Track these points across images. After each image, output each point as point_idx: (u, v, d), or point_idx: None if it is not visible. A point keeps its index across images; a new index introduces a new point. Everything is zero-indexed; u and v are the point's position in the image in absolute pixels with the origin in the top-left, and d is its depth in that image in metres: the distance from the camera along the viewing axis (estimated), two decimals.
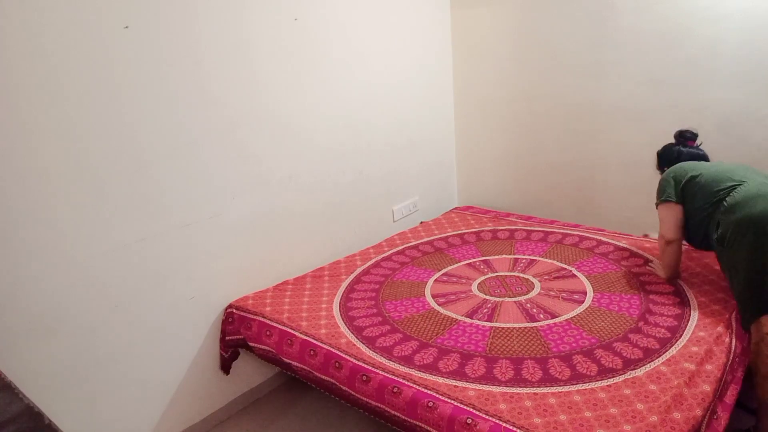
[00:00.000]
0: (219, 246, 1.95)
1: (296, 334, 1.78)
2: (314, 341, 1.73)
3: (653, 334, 1.62)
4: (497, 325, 1.75)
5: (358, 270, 2.27)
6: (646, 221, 2.50)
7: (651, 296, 1.83)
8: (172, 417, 1.91)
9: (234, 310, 1.99)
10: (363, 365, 1.58)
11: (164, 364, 1.86)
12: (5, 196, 1.43)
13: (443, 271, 2.20)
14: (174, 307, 1.85)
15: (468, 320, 1.79)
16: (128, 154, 1.66)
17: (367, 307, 1.94)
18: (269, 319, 1.88)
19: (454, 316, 1.83)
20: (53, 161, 1.50)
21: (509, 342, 1.65)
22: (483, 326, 1.75)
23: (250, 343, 1.91)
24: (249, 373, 2.16)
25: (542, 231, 2.50)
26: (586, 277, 2.00)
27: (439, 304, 1.92)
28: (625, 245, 2.24)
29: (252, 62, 1.96)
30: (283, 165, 2.14)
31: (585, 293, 1.89)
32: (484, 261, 2.26)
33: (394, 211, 2.74)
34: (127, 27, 1.59)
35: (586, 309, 1.79)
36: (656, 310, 1.75)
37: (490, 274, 2.13)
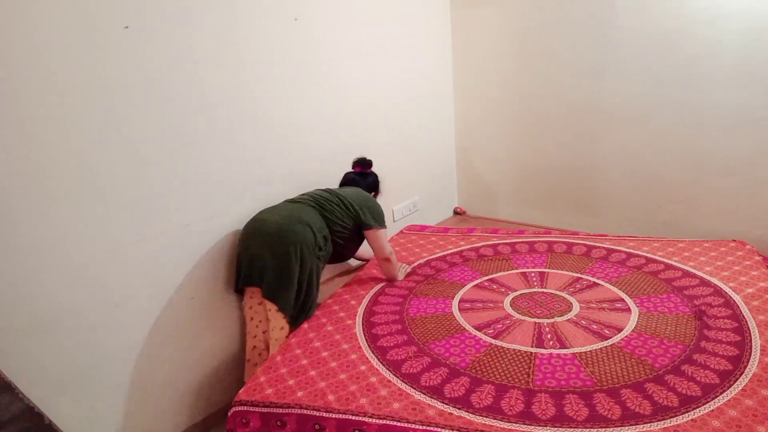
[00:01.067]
0: (219, 246, 1.95)
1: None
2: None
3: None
4: (499, 343, 1.61)
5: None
6: (646, 221, 2.50)
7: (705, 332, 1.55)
8: (172, 417, 1.90)
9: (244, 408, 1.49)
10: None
11: (164, 365, 1.85)
12: (5, 196, 1.42)
13: (489, 276, 2.08)
14: (174, 308, 1.85)
15: (474, 332, 1.69)
16: (128, 154, 1.65)
17: (393, 304, 1.94)
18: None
19: (464, 324, 1.75)
20: (52, 161, 1.50)
21: (499, 364, 1.50)
22: (484, 341, 1.62)
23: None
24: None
25: (625, 253, 2.16)
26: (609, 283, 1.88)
27: (460, 310, 1.85)
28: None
29: (252, 62, 1.96)
30: (282, 165, 2.14)
31: (620, 329, 1.62)
32: (540, 273, 2.08)
33: (394, 211, 2.74)
34: (127, 27, 1.59)
35: (611, 345, 1.54)
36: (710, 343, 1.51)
37: (537, 289, 1.94)
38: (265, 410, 1.43)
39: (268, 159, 2.08)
